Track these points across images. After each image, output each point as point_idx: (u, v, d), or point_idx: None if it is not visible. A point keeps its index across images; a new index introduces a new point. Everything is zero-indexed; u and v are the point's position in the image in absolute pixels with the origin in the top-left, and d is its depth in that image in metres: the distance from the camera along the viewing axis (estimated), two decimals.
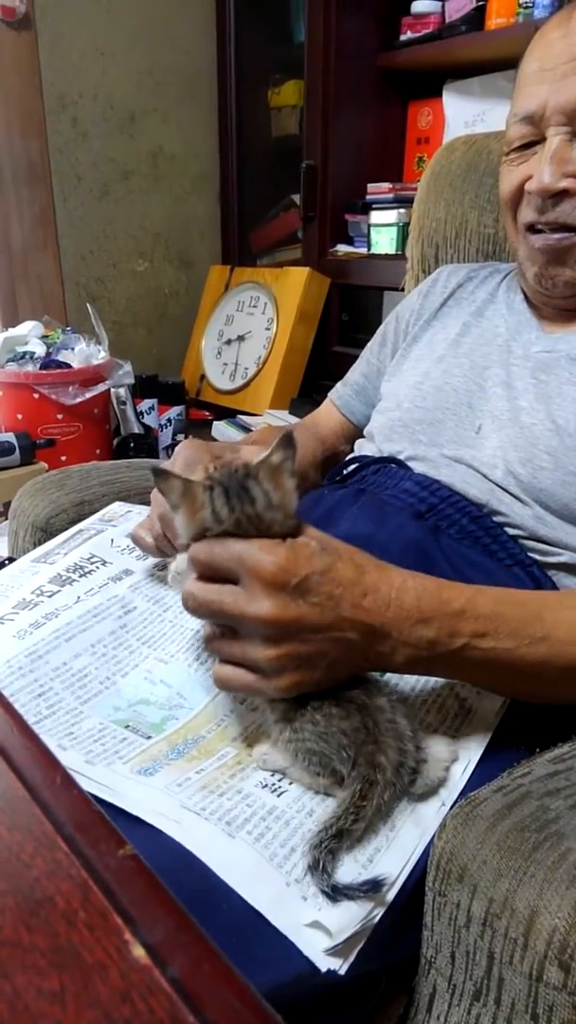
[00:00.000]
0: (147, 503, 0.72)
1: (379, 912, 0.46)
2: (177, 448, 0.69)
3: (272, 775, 0.53)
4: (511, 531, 0.71)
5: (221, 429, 2.13)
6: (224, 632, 0.51)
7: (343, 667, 0.51)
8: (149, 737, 0.57)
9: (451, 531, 0.71)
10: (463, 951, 0.46)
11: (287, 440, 0.50)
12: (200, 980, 0.24)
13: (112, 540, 0.78)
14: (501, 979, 0.44)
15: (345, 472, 0.85)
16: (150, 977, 0.24)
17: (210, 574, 0.50)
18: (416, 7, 1.84)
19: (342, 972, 0.43)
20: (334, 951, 0.43)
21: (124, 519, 0.83)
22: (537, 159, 0.71)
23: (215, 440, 2.13)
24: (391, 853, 0.49)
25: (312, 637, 0.49)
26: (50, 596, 0.69)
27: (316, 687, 0.51)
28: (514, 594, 0.57)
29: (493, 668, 0.54)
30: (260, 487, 0.49)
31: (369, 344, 1.02)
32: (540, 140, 0.71)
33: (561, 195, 0.69)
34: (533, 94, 0.70)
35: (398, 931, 0.49)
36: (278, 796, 0.51)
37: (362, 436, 0.93)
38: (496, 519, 0.72)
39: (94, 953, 0.25)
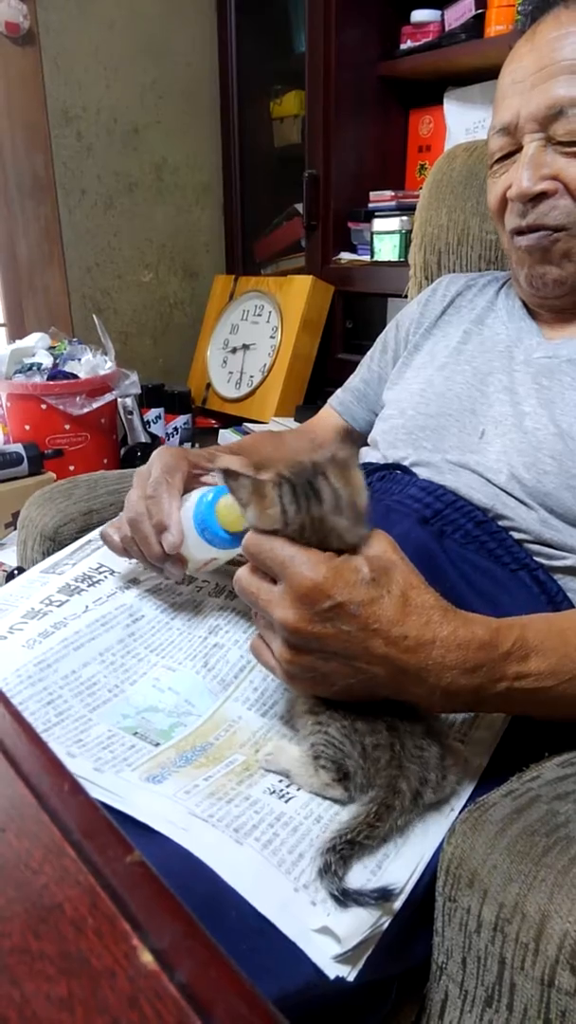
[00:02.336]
0: None
1: (387, 920, 0.45)
2: (154, 454, 0.69)
3: (280, 781, 0.53)
4: (516, 535, 0.71)
5: (227, 437, 2.13)
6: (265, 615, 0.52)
7: (362, 693, 0.51)
8: (157, 744, 0.57)
9: (456, 536, 0.71)
10: (474, 957, 0.46)
11: (347, 435, 0.51)
12: (208, 986, 0.24)
13: None
14: (513, 984, 0.43)
15: None
16: (158, 983, 0.24)
17: (258, 566, 0.51)
18: (416, 16, 1.85)
19: (351, 979, 0.43)
20: (343, 958, 0.43)
21: None
22: (517, 167, 0.73)
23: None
24: (400, 860, 0.49)
25: (334, 659, 0.49)
26: (59, 606, 0.69)
27: (333, 698, 0.52)
28: (557, 623, 0.56)
29: (528, 703, 0.54)
30: (329, 484, 0.48)
31: (369, 352, 1.02)
32: (518, 149, 0.74)
33: (539, 198, 0.72)
34: (507, 106, 0.73)
35: (408, 938, 0.48)
36: (286, 802, 0.51)
37: (363, 444, 0.93)
38: (501, 523, 0.72)
39: (102, 959, 0.25)
